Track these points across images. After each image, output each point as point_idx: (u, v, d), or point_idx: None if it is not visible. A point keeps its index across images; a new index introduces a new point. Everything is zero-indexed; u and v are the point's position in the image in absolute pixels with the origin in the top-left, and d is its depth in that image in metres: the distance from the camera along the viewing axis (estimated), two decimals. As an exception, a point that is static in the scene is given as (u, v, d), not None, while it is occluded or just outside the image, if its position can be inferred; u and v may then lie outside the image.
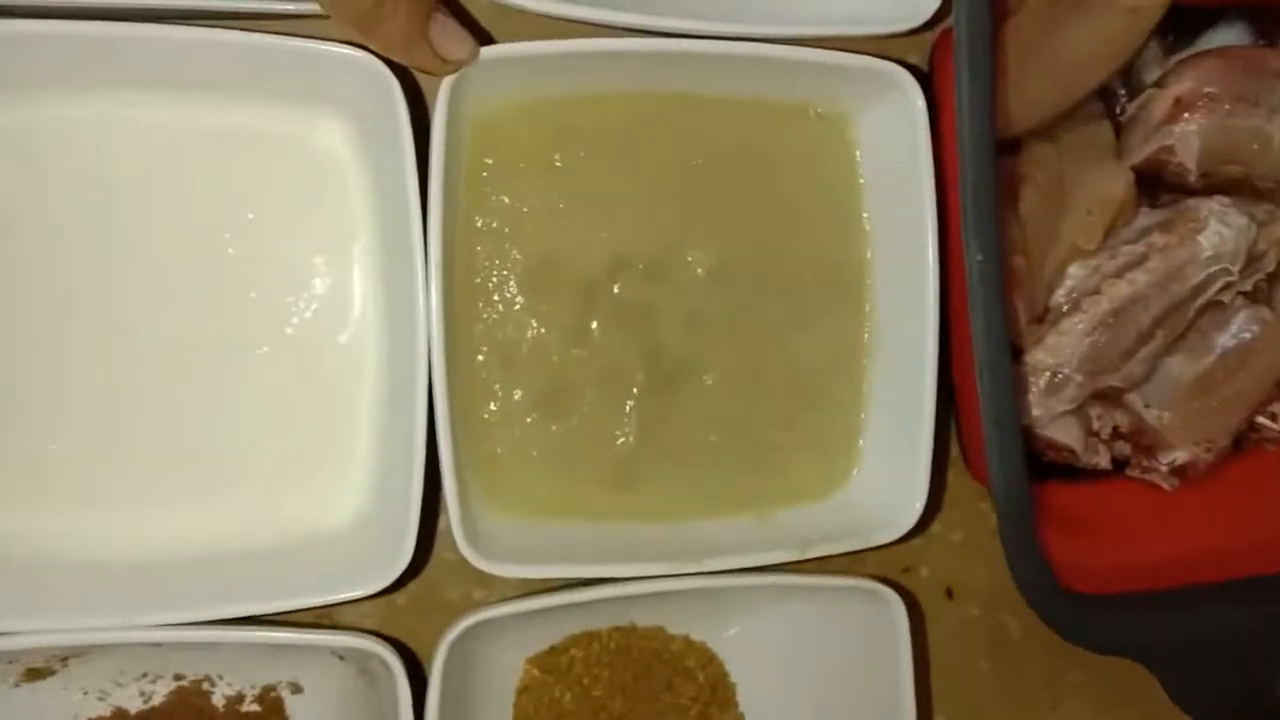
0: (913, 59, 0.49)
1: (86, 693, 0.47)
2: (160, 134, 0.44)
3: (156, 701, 0.47)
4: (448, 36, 0.40)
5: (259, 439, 0.45)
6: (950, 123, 0.44)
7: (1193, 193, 0.50)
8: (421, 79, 0.45)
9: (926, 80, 0.48)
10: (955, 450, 0.54)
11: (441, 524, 0.49)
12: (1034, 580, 0.43)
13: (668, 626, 0.51)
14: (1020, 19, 0.48)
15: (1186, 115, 0.48)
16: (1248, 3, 0.53)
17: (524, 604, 0.44)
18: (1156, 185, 0.51)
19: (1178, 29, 0.53)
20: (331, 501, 0.45)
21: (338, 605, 0.43)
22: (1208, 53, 0.51)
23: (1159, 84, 0.50)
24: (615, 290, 0.46)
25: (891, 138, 0.46)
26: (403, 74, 0.41)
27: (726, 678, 0.52)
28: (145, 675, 0.47)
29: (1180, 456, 0.50)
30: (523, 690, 0.50)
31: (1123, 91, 0.52)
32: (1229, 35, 0.54)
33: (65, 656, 0.45)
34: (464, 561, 0.46)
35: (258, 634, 0.42)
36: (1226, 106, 0.48)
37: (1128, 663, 0.56)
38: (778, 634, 0.51)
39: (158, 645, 0.45)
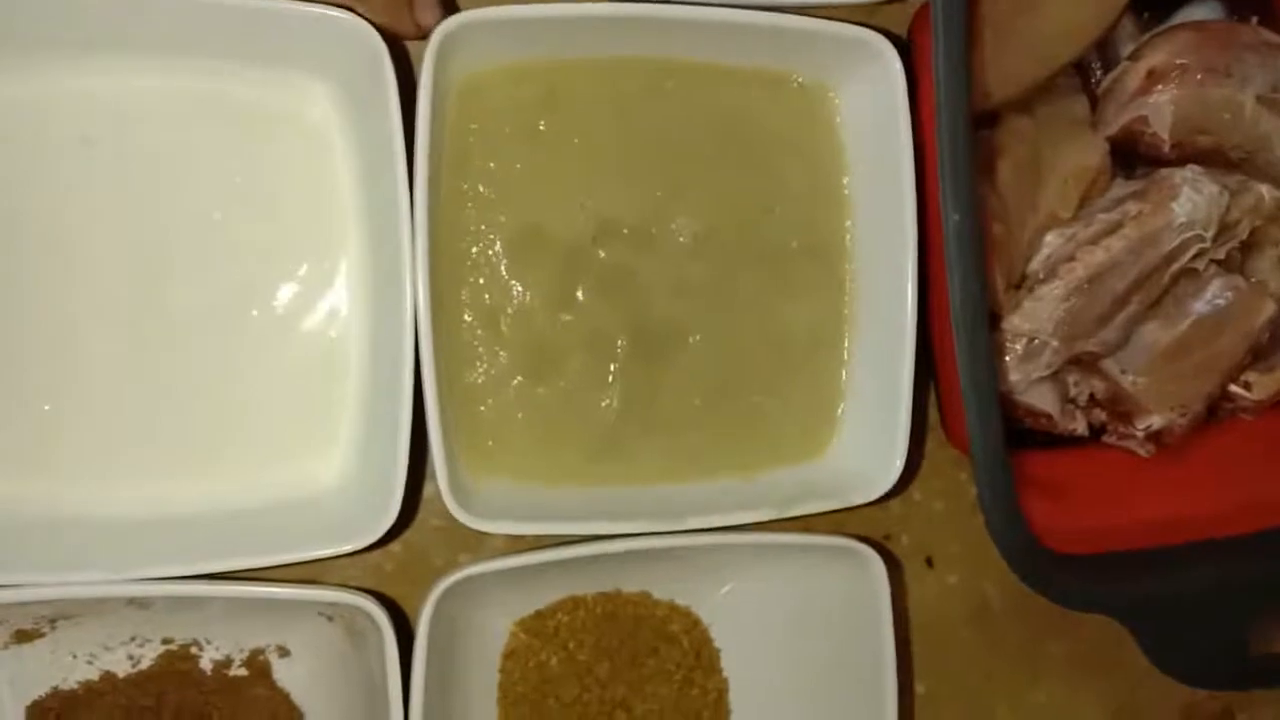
0: (895, 29, 0.50)
1: (75, 656, 0.47)
2: (144, 99, 0.44)
3: (145, 665, 0.48)
4: (425, 6, 0.41)
5: (248, 401, 0.46)
6: (929, 92, 0.44)
7: (1166, 163, 0.51)
8: (410, 44, 0.45)
9: (907, 50, 0.49)
10: (936, 419, 0.55)
11: (428, 490, 0.49)
12: (1011, 537, 0.44)
13: (653, 592, 0.52)
14: (997, -9, 0.49)
15: (1160, 86, 0.49)
16: (1220, -20, 0.54)
17: (509, 561, 0.45)
18: (1131, 156, 0.52)
19: (1152, 5, 0.54)
20: (320, 462, 0.46)
21: (324, 560, 0.43)
22: (1181, 26, 0.51)
23: (1133, 57, 0.51)
24: (600, 256, 0.47)
25: (872, 106, 0.47)
26: (389, 38, 0.42)
27: (710, 643, 0.53)
28: (133, 639, 0.47)
29: (1155, 422, 0.51)
30: (509, 654, 0.50)
31: (1098, 65, 0.53)
32: (1202, 12, 0.54)
33: (54, 619, 0.46)
34: (451, 527, 0.47)
35: (245, 589, 0.43)
36: (1199, 77, 0.49)
37: (1108, 634, 0.56)
38: (761, 598, 0.52)
39: (145, 607, 0.45)
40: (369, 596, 0.43)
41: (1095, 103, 0.52)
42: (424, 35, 0.42)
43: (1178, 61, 0.49)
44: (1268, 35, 0.51)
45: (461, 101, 0.44)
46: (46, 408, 0.44)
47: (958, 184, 0.42)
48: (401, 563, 0.50)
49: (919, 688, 0.56)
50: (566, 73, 0.45)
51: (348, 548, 0.42)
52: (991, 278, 0.48)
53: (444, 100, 0.43)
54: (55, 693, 0.47)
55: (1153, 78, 0.49)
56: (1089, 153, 0.50)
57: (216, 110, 0.45)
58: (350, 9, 0.41)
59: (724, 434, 0.48)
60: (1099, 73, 0.53)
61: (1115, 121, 0.50)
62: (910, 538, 0.56)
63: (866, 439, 0.48)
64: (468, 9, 0.42)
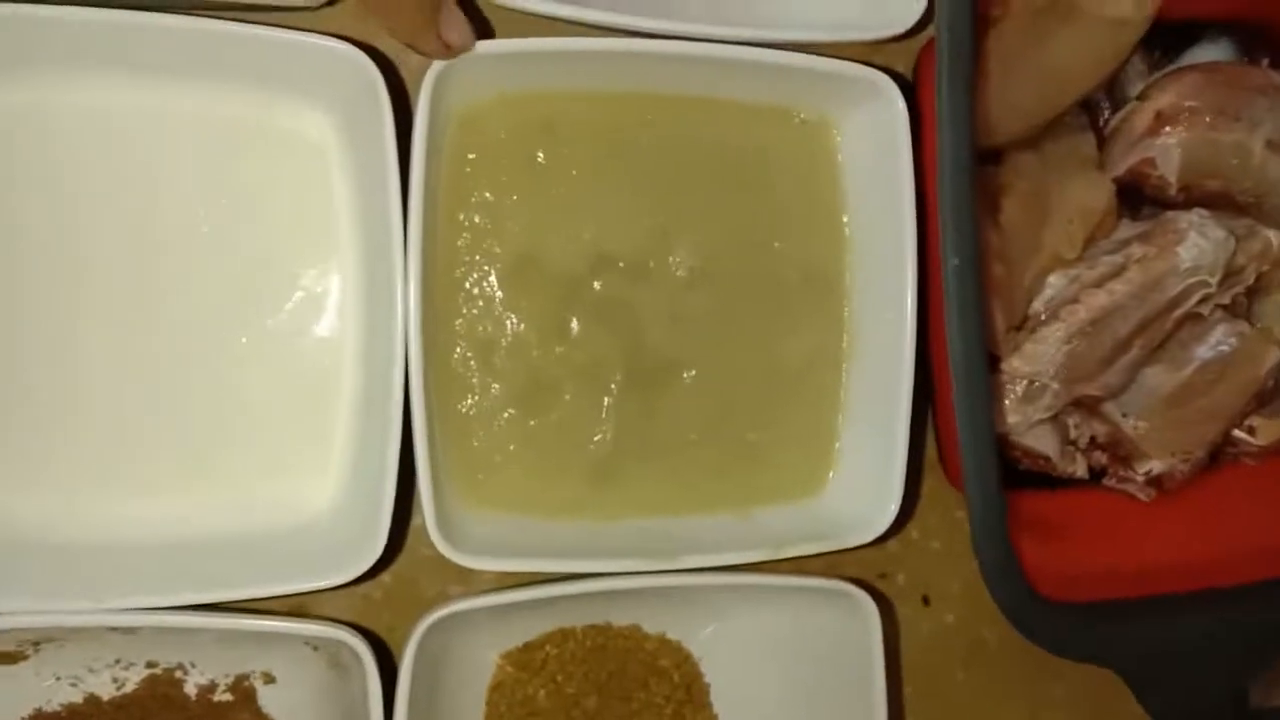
0: (899, 67, 0.50)
1: (59, 678, 0.47)
2: (145, 123, 0.44)
3: (129, 689, 0.47)
4: (453, 24, 0.41)
5: (237, 428, 0.46)
6: (933, 128, 0.44)
7: (1173, 205, 0.50)
8: (405, 72, 0.45)
9: (911, 88, 0.49)
10: (935, 458, 0.54)
11: (419, 520, 0.49)
12: (1006, 585, 0.44)
13: (643, 625, 0.51)
14: (1005, 27, 0.48)
15: (1168, 128, 0.49)
16: (1230, 20, 0.54)
17: (497, 598, 0.44)
18: (1138, 198, 0.51)
19: (1162, 45, 0.54)
20: (308, 492, 0.46)
21: (310, 594, 0.43)
22: (1190, 67, 0.51)
23: (1141, 97, 0.50)
24: (596, 288, 0.46)
25: (874, 144, 0.47)
26: (387, 68, 0.42)
27: (701, 678, 0.52)
28: (118, 662, 0.47)
29: (1156, 467, 0.50)
30: (495, 686, 0.50)
31: (1106, 104, 0.53)
32: (1213, 52, 0.54)
33: (37, 641, 0.45)
34: (441, 557, 0.46)
35: (229, 621, 0.42)
36: (1207, 120, 0.49)
37: (1107, 678, 0.56)
38: (752, 635, 0.51)
39: (130, 632, 0.45)
40: (352, 631, 0.43)
41: (1102, 142, 0.52)
42: (454, 55, 0.41)
43: (1187, 104, 0.49)
44: (1277, 78, 0.50)
45: (459, 131, 0.44)
46: (35, 429, 0.44)
47: (959, 228, 0.42)
48: (390, 593, 0.49)
49: (913, 727, 0.55)
50: (566, 105, 0.45)
51: (334, 581, 0.41)
52: (991, 320, 0.47)
53: (442, 130, 0.43)
54: (38, 715, 0.46)
55: (1161, 119, 0.49)
56: (1095, 193, 0.50)
57: (215, 133, 0.45)
58: (349, 39, 0.40)
59: (719, 469, 0.48)
60: (1107, 111, 0.53)
61: (1122, 162, 0.50)
62: (907, 576, 0.55)
63: (863, 478, 0.48)
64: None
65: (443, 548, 0.42)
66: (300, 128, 0.45)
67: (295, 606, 0.47)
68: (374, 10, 0.41)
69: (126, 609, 0.41)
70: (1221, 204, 0.50)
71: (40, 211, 0.44)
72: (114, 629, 0.45)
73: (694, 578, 0.45)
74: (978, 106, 0.46)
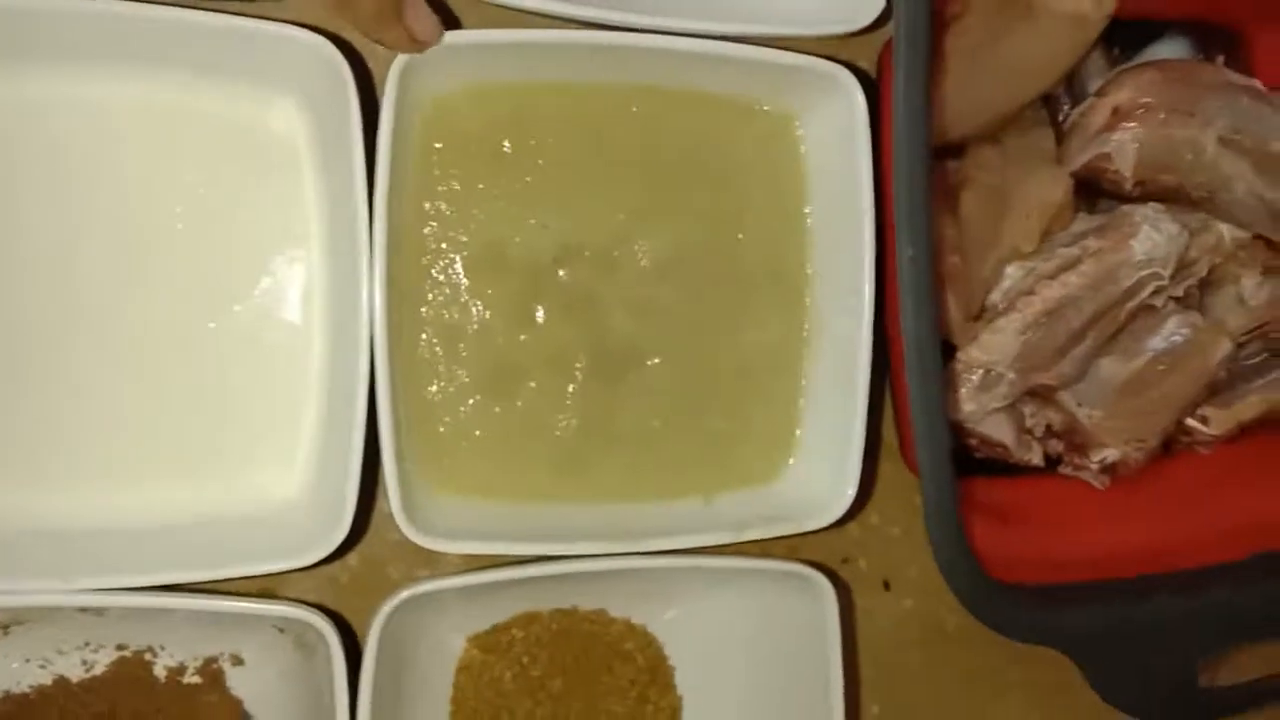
0: (863, 62, 0.50)
1: (28, 660, 0.47)
2: (111, 112, 0.44)
3: (98, 671, 0.48)
4: (419, 16, 0.41)
5: (205, 414, 0.46)
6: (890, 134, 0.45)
7: (1129, 199, 0.51)
8: (373, 62, 0.46)
9: (874, 83, 0.49)
10: (896, 445, 0.55)
11: (386, 505, 0.49)
12: (957, 565, 0.45)
13: (609, 609, 0.52)
14: (966, 23, 0.49)
15: (1124, 124, 0.50)
16: (1188, 19, 0.55)
17: (460, 579, 0.45)
18: (1095, 192, 0.53)
19: (1122, 42, 0.55)
20: (276, 477, 0.46)
21: (278, 576, 0.43)
22: (1147, 64, 0.52)
23: (1099, 93, 0.51)
24: (561, 276, 0.47)
25: (835, 137, 0.47)
26: (353, 57, 0.42)
27: (665, 661, 0.53)
28: (87, 644, 0.47)
29: (1111, 455, 0.51)
30: (462, 669, 0.50)
31: (1066, 99, 0.54)
32: (1172, 49, 0.55)
33: (6, 624, 0.46)
34: (407, 542, 0.46)
35: (196, 601, 0.43)
36: (1162, 116, 0.49)
37: (1065, 661, 0.57)
38: (715, 619, 0.52)
39: (99, 614, 0.45)
40: (318, 612, 0.44)
41: (1061, 136, 0.53)
42: (420, 49, 0.41)
43: (1142, 100, 0.50)
44: (1231, 75, 0.52)
45: (426, 121, 0.44)
46: (2, 420, 0.44)
47: (913, 219, 0.42)
48: (357, 576, 0.50)
49: (873, 709, 0.56)
50: (532, 95, 0.45)
51: (300, 563, 0.42)
52: (947, 310, 0.48)
53: (408, 119, 0.43)
54: (7, 697, 0.47)
55: (1117, 115, 0.50)
56: (1053, 187, 0.51)
57: (183, 122, 0.45)
58: (317, 28, 0.41)
59: (682, 455, 0.49)
60: (1067, 106, 0.53)
61: (1079, 157, 0.51)
62: (868, 561, 0.56)
63: (822, 464, 0.48)
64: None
65: (408, 530, 0.42)
66: (268, 117, 0.45)
67: (263, 590, 0.48)
68: (335, 3, 0.41)
69: (95, 589, 0.41)
70: (1176, 198, 0.51)
71: (4, 207, 0.44)
72: (83, 610, 0.45)
73: (657, 560, 0.46)
74: (938, 101, 0.47)
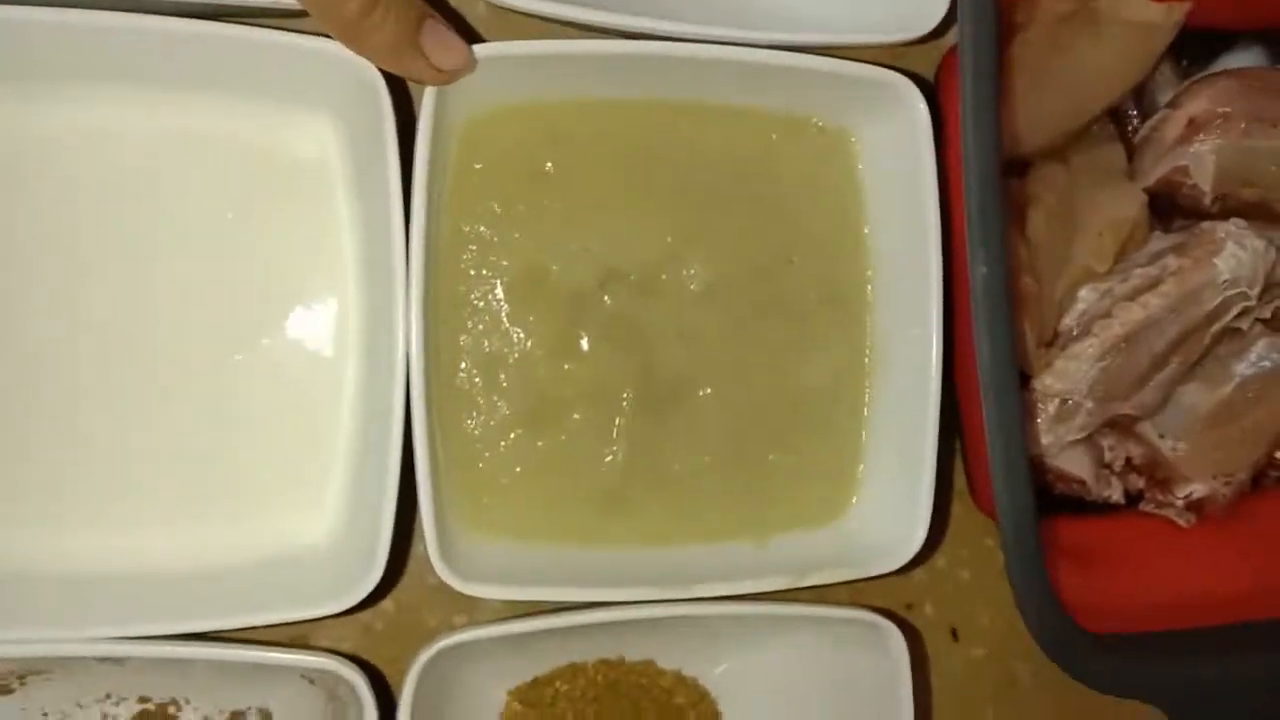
0: (921, 71, 0.48)
1: (46, 715, 0.45)
2: (138, 132, 0.43)
3: (120, 725, 0.45)
4: (441, 44, 0.38)
5: (233, 452, 0.44)
6: (956, 136, 0.42)
7: (1207, 216, 0.48)
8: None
9: (933, 93, 0.47)
10: (962, 484, 0.52)
11: (421, 547, 0.47)
12: (1041, 615, 0.41)
13: (658, 660, 0.49)
14: (1029, 34, 0.47)
15: (1201, 136, 0.47)
16: (1262, 27, 0.52)
17: (500, 628, 0.42)
18: (1170, 209, 0.50)
19: (1191, 53, 0.52)
20: (305, 518, 0.44)
21: (309, 623, 0.41)
22: (1223, 73, 0.49)
23: (1172, 104, 0.49)
24: (606, 303, 0.44)
25: (895, 151, 0.45)
26: (388, 74, 0.40)
27: (719, 717, 0.49)
28: (108, 697, 0.45)
29: (1197, 490, 0.48)
30: (503, 723, 0.47)
31: (1135, 114, 0.51)
32: (1244, 59, 0.53)
33: (23, 674, 0.43)
34: (445, 587, 0.44)
35: (220, 651, 0.40)
36: (1242, 126, 0.47)
37: (1150, 717, 0.53)
38: (772, 671, 0.49)
39: (119, 663, 0.43)
40: (349, 663, 0.41)
41: (1132, 152, 0.50)
42: (447, 79, 0.39)
43: (1220, 110, 0.47)
44: (1313, 83, 0.48)
45: (465, 140, 0.42)
46: (23, 457, 0.42)
47: (986, 234, 0.40)
48: (393, 622, 0.47)
49: (943, 769, 0.52)
50: (575, 113, 0.43)
51: (331, 610, 0.39)
52: (1021, 334, 0.45)
53: (446, 139, 0.41)
54: (24, 753, 0.44)
55: (1194, 126, 0.47)
56: (1126, 203, 0.48)
57: (211, 144, 0.43)
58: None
59: (736, 494, 0.46)
60: (1136, 121, 0.51)
61: (1153, 171, 0.48)
62: (934, 608, 0.53)
63: (888, 503, 0.45)
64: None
65: (445, 574, 0.40)
66: (299, 136, 0.43)
67: (294, 639, 0.45)
68: (346, 39, 0.38)
69: (114, 639, 0.39)
70: (1258, 214, 0.48)
71: (28, 231, 0.43)
72: (102, 660, 0.43)
73: (710, 607, 0.43)
74: (1002, 115, 0.44)
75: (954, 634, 0.53)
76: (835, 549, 0.45)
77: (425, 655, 0.41)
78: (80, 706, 0.45)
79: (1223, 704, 0.43)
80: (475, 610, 0.47)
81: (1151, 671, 0.43)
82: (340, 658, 0.41)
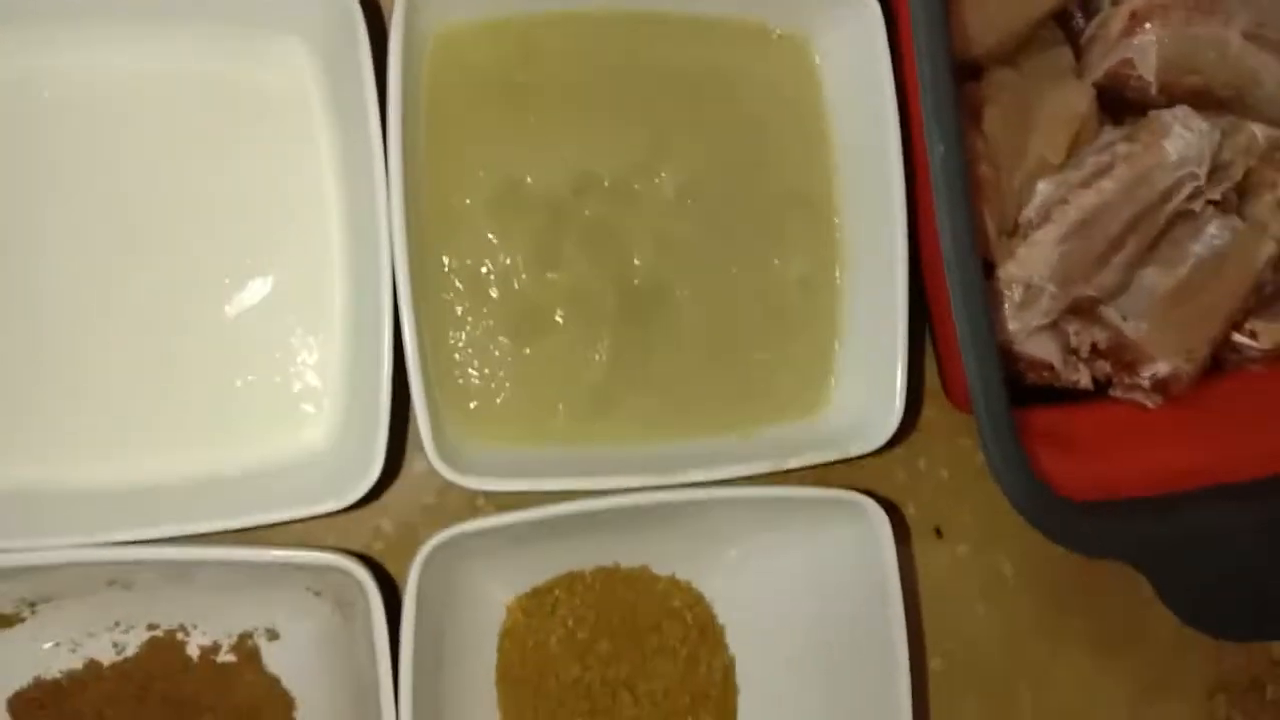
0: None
1: (58, 644, 0.46)
2: (112, 68, 0.44)
3: (130, 652, 0.46)
4: None
5: (229, 370, 0.45)
6: (910, 36, 0.44)
7: (1155, 107, 0.50)
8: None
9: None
10: (936, 386, 0.53)
11: (419, 466, 0.48)
12: (1018, 482, 0.43)
13: (652, 566, 0.50)
14: (975, -61, 0.49)
15: (1143, 27, 0.49)
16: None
17: (499, 519, 0.43)
18: (1119, 104, 0.51)
19: (1133, -42, 0.54)
20: (304, 428, 0.45)
21: (311, 520, 0.42)
22: (1162, -33, 0.51)
23: (1115, 1, 0.50)
24: (584, 211, 0.46)
25: (852, 55, 0.47)
26: (360, -6, 0.42)
27: (714, 618, 0.51)
28: (117, 625, 0.46)
29: (1161, 368, 0.49)
30: (506, 633, 0.49)
31: (1080, 15, 0.53)
32: (1184, -39, 0.54)
33: (33, 601, 0.44)
34: (441, 504, 0.46)
35: (228, 551, 0.41)
36: (1182, 15, 0.48)
37: (1130, 607, 0.55)
38: (764, 569, 0.50)
39: (128, 587, 0.44)
40: (356, 560, 0.42)
41: (1079, 54, 0.52)
42: None
43: (1160, 2, 0.49)
44: (1250, -25, 0.51)
45: (436, 56, 0.44)
46: (24, 379, 0.43)
47: (941, 115, 0.41)
48: (392, 541, 0.48)
49: (935, 663, 0.54)
50: (543, 26, 0.45)
51: (331, 506, 0.40)
52: (982, 220, 0.47)
53: (418, 55, 0.43)
54: (38, 682, 0.45)
55: (1136, 19, 0.49)
56: (1076, 98, 0.50)
57: (185, 77, 0.44)
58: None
59: (717, 390, 0.47)
60: (1081, 23, 0.52)
61: (1100, 66, 0.50)
62: (917, 508, 0.54)
63: (864, 390, 0.47)
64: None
65: (440, 468, 0.41)
66: (273, 63, 0.44)
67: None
68: None
69: (124, 542, 0.40)
70: (1203, 102, 0.50)
71: (12, 172, 0.44)
72: (111, 583, 0.44)
73: (699, 492, 0.44)
74: (951, 14, 0.46)
75: (938, 532, 0.54)
76: (816, 437, 0.47)
77: (429, 545, 0.42)
78: (90, 635, 0.46)
79: (1195, 560, 0.45)
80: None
81: (1125, 530, 0.44)
82: (346, 554, 0.42)
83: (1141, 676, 0.56)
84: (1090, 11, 0.53)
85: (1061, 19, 0.52)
